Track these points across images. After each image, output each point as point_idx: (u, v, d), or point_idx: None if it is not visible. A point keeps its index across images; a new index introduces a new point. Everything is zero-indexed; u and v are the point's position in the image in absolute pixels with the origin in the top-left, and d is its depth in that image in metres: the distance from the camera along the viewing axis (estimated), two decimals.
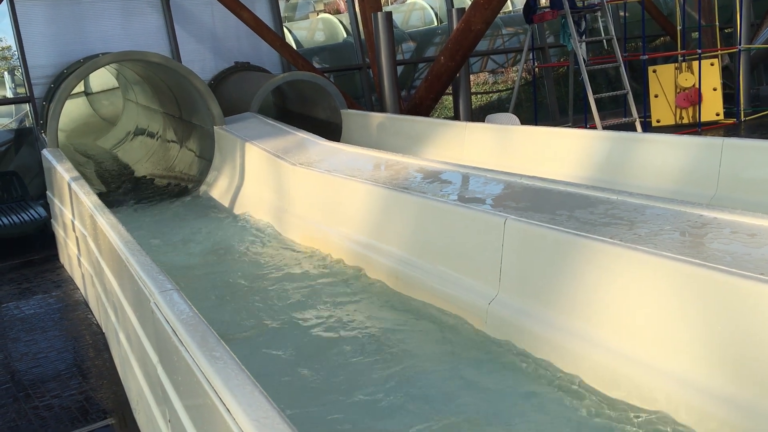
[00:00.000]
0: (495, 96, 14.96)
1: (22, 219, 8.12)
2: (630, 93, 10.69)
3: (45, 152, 7.56)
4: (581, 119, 12.02)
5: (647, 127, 11.76)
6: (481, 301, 3.77)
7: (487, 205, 4.05)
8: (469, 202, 4.23)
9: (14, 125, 10.32)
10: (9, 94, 10.43)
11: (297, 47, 12.51)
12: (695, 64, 12.08)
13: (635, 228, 3.37)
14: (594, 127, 10.68)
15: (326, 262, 5.34)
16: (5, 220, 8.13)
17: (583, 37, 10.72)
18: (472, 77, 12.97)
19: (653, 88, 12.38)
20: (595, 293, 3.22)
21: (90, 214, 4.82)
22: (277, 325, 4.46)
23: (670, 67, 12.41)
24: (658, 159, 5.24)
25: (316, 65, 11.38)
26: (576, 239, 3.32)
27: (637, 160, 5.35)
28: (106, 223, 4.21)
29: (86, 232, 5.34)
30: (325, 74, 10.66)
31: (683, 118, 12.36)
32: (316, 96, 9.86)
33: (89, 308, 5.96)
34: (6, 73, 10.23)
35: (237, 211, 7.26)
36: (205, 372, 2.05)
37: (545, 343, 3.39)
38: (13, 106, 10.16)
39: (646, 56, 11.71)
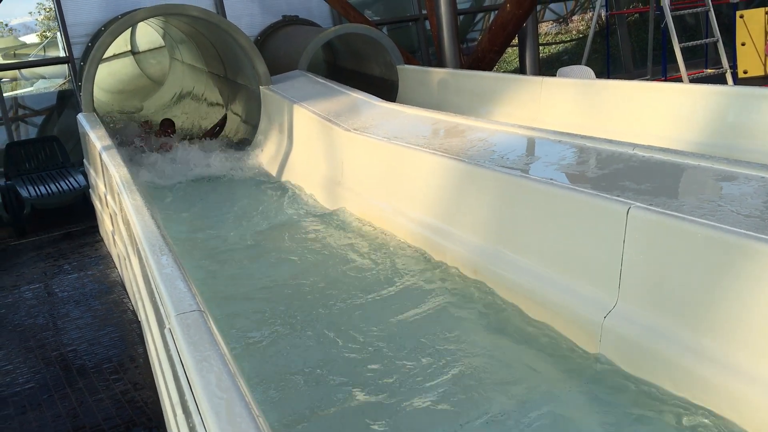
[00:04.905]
0: (560, 47, 13.97)
1: (60, 188, 7.64)
2: (720, 41, 9.56)
3: (80, 117, 7.02)
4: (658, 71, 10.98)
5: (735, 79, 10.64)
6: (593, 312, 2.90)
7: (598, 186, 3.14)
8: (572, 180, 3.34)
9: (67, 86, 9.77)
10: (61, 54, 9.88)
11: None
12: None
13: None
14: (673, 80, 9.71)
15: (387, 247, 4.54)
16: (44, 189, 7.67)
17: None
18: None
19: (740, 35, 11.26)
20: None
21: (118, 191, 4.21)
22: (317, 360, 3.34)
23: (760, 12, 11.23)
24: None
25: (369, 18, 10.56)
26: (752, 243, 2.40)
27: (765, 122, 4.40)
28: (131, 205, 3.57)
29: (117, 209, 4.75)
30: (378, 27, 9.83)
31: None
32: (370, 51, 9.05)
33: (125, 291, 5.42)
34: (59, 32, 9.65)
35: (283, 180, 6.58)
36: None
37: (697, 380, 2.54)
38: (66, 66, 9.54)
39: None
